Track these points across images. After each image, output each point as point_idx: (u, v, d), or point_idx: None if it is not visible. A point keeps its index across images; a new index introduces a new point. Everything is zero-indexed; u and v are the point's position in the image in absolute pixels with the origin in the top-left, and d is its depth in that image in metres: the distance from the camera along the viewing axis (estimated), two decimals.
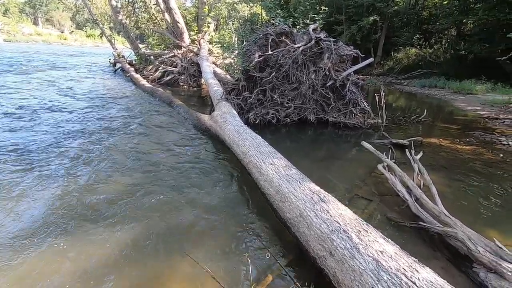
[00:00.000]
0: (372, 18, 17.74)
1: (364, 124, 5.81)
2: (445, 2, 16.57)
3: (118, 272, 1.88)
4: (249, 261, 2.00)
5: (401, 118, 6.77)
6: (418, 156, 3.59)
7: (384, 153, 3.73)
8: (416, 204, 2.67)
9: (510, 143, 5.18)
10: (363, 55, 5.71)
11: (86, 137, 4.42)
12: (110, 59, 14.83)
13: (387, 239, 1.75)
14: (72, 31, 56.35)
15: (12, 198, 2.63)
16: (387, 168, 3.39)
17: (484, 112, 8.07)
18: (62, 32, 55.63)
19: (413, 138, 4.79)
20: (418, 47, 18.45)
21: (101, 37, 16.50)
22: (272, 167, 2.80)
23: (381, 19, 18.44)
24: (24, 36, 43.11)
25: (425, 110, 6.89)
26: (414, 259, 1.57)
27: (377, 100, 5.85)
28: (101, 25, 15.35)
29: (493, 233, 2.40)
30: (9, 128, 4.63)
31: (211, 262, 2.01)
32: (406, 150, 3.93)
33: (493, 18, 11.87)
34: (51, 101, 6.74)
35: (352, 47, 5.80)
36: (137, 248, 2.10)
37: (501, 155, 4.60)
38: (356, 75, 6.10)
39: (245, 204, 2.82)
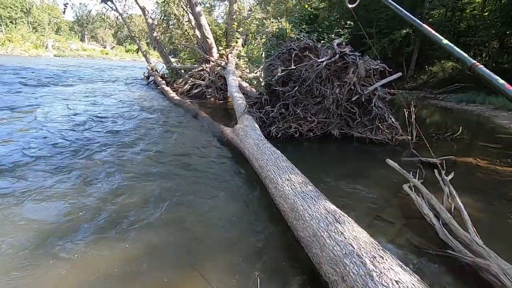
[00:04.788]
0: (404, 31, 17.22)
1: (392, 140, 5.55)
2: (485, 14, 15.72)
3: (125, 284, 1.91)
4: (258, 280, 1.94)
5: (433, 135, 6.38)
6: (449, 177, 3.33)
7: (411, 172, 3.52)
8: (444, 230, 2.45)
9: None
10: (391, 69, 5.53)
11: (113, 145, 4.68)
12: (144, 73, 15.74)
13: (405, 267, 1.62)
14: (113, 47, 60.94)
15: (28, 202, 2.81)
16: (413, 188, 3.19)
17: None
18: (104, 47, 60.39)
19: (445, 157, 4.47)
20: (455, 60, 17.52)
21: (137, 52, 17.62)
22: (288, 182, 2.74)
23: (414, 31, 17.83)
24: (71, 52, 47.41)
25: (461, 127, 6.44)
26: None
27: (407, 115, 5.58)
28: (137, 41, 16.42)
29: None
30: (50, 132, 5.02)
31: (219, 278, 1.97)
32: (435, 170, 3.67)
33: None
34: (87, 110, 7.31)
35: (379, 61, 5.64)
36: (146, 260, 2.12)
37: None
38: (386, 89, 5.90)
39: (261, 220, 2.77)
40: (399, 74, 5.75)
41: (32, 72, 15.96)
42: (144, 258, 2.13)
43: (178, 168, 3.89)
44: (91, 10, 66.45)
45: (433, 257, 2.28)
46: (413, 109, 5.59)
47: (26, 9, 51.41)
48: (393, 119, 5.69)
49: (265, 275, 2.02)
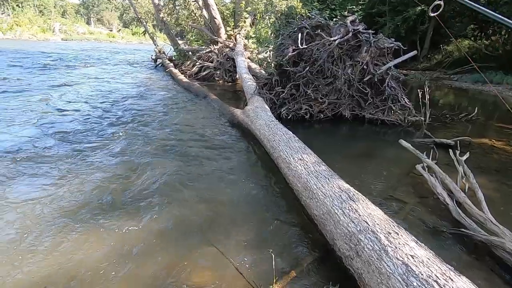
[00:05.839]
0: (419, 8, 16.45)
1: (404, 121, 5.46)
2: None
3: (146, 256, 1.99)
4: (273, 255, 2.00)
5: (447, 116, 6.23)
6: (464, 158, 3.28)
7: (425, 153, 3.47)
8: (458, 209, 2.46)
9: None
10: (406, 48, 5.33)
11: (125, 125, 4.86)
12: (152, 55, 15.62)
13: (420, 243, 1.64)
14: (120, 29, 60.37)
15: (54, 181, 2.92)
16: (426, 169, 3.16)
17: None
18: (111, 30, 59.85)
19: (460, 138, 4.40)
20: (472, 38, 16.76)
21: (144, 34, 17.42)
22: (301, 162, 2.76)
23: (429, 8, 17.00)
24: (78, 35, 47.16)
25: (476, 108, 6.27)
26: (449, 266, 1.45)
27: (420, 96, 5.45)
28: (144, 23, 16.17)
29: None
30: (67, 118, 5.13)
31: (235, 253, 2.04)
32: (450, 150, 3.61)
33: None
34: (111, 90, 7.81)
35: (393, 39, 5.44)
36: (168, 234, 2.21)
37: None
38: (399, 69, 5.73)
39: (273, 199, 2.82)
40: (414, 52, 5.55)
41: (51, 56, 16.43)
42: (166, 232, 2.23)
43: (193, 147, 3.99)
44: None
45: (446, 235, 2.30)
46: (427, 90, 5.45)
47: None
48: (406, 100, 5.56)
49: (279, 251, 2.08)
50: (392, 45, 5.30)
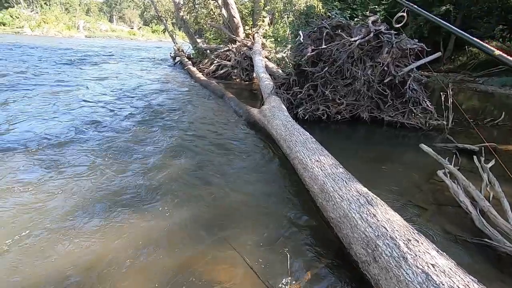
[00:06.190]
0: (444, 7, 15.85)
1: (425, 125, 5.30)
2: None
3: (161, 250, 2.04)
4: (288, 256, 2.00)
5: (471, 120, 5.98)
6: (489, 165, 3.15)
7: (447, 158, 3.36)
8: (482, 218, 2.36)
9: None
10: (429, 49, 5.15)
11: (147, 120, 5.03)
12: (170, 53, 15.89)
13: (441, 252, 1.59)
14: (140, 27, 61.88)
15: (74, 175, 3.03)
16: (448, 175, 3.06)
17: None
18: (132, 28, 61.45)
19: (485, 144, 4.21)
20: (501, 39, 15.99)
21: (164, 32, 17.78)
22: (318, 164, 2.73)
23: (455, 8, 16.36)
24: (101, 33, 48.79)
25: (503, 113, 5.99)
26: (472, 278, 1.40)
27: (443, 99, 5.26)
28: (164, 21, 16.47)
29: None
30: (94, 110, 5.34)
31: (250, 252, 2.05)
32: (474, 157, 3.47)
33: None
34: (125, 87, 8.00)
35: (416, 40, 5.28)
36: (182, 230, 2.25)
37: None
38: (420, 71, 5.56)
39: (289, 199, 2.81)
40: (438, 54, 5.35)
41: (78, 52, 17.43)
42: (182, 228, 2.27)
43: (209, 145, 4.03)
44: None
45: (468, 245, 2.22)
46: (450, 93, 5.25)
47: None
48: (428, 103, 5.39)
49: (294, 252, 2.07)
50: (415, 46, 5.14)
